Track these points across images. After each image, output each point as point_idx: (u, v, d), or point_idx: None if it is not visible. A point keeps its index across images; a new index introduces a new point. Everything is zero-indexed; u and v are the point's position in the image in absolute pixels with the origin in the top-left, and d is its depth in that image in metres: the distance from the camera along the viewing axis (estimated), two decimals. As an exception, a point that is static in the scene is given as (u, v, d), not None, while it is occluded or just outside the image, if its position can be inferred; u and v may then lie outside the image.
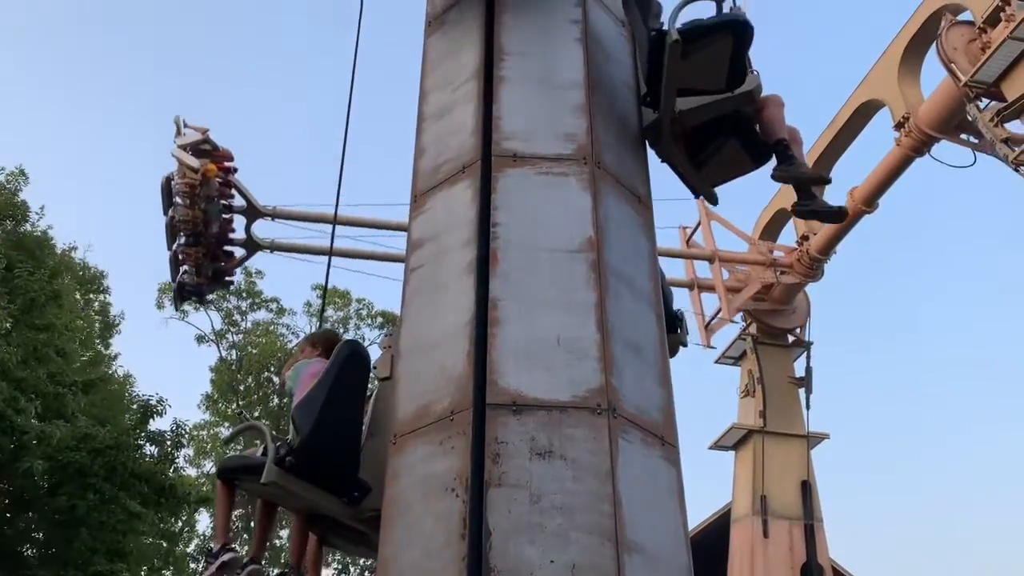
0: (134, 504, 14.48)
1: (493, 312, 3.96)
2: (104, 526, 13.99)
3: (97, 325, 22.45)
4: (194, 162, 11.84)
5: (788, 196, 6.33)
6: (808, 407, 14.89)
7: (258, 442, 4.61)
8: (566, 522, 3.46)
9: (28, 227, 17.89)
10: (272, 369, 27.56)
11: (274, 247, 13.77)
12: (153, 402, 16.22)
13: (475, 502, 3.50)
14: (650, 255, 4.54)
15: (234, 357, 28.95)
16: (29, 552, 15.54)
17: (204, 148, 12.23)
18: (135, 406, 17.04)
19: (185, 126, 12.16)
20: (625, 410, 3.80)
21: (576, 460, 3.61)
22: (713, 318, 15.65)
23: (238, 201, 13.21)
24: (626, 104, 4.98)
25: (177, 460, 17.21)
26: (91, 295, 23.08)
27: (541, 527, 3.44)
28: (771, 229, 16.47)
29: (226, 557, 4.38)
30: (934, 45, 12.16)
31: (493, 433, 3.65)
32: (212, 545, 4.62)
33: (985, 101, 11.65)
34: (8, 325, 14.79)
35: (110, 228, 48.40)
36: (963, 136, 12.84)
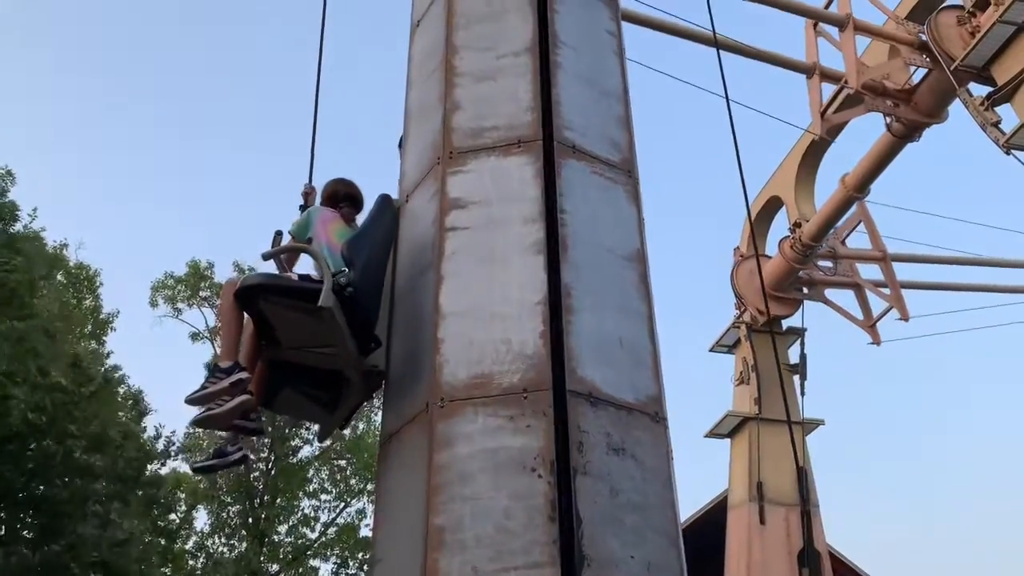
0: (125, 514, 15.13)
1: (567, 300, 3.94)
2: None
3: (90, 325, 21.69)
4: None
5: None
6: (803, 393, 14.69)
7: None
8: (641, 520, 3.57)
9: (20, 227, 16.97)
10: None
11: None
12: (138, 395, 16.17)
13: (560, 487, 3.47)
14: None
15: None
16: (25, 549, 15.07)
17: None
18: (130, 403, 17.87)
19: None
20: (667, 421, 4.01)
21: (644, 463, 3.74)
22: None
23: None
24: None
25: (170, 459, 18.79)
26: (81, 295, 22.25)
27: (620, 522, 3.52)
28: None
29: (242, 375, 3.92)
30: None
31: (576, 421, 3.64)
32: (219, 362, 4.05)
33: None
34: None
35: (101, 222, 44.08)
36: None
